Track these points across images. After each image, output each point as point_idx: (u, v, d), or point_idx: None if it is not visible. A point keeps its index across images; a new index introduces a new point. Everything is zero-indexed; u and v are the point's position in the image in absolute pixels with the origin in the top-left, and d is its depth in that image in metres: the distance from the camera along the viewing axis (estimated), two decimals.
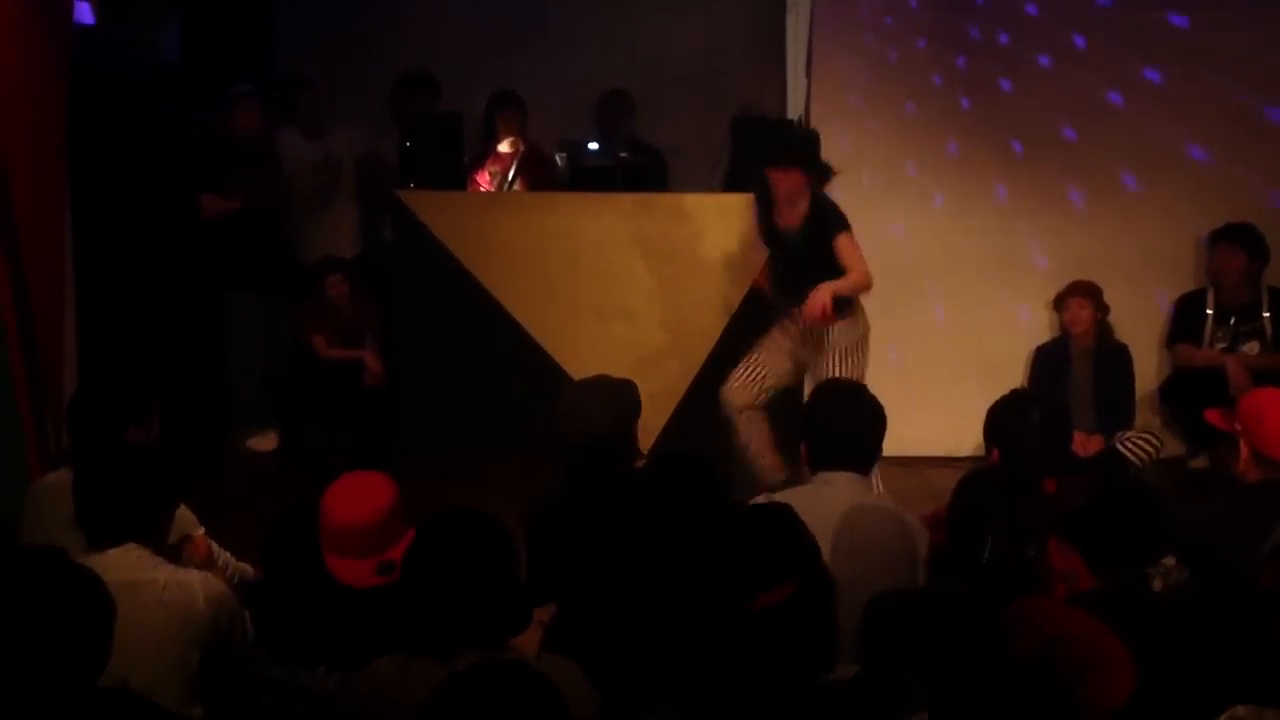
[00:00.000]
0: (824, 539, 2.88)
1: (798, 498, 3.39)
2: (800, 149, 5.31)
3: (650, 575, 3.04)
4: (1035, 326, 6.66)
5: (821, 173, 5.28)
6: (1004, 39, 6.74)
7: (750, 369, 5.42)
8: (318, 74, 7.28)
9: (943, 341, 6.77)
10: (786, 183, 5.22)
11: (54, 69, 5.53)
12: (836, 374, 5.19)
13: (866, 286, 5.24)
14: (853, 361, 5.32)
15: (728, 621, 2.39)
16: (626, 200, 6.67)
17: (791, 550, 2.52)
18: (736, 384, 5.41)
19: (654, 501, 3.22)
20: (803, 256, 5.29)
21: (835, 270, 5.19)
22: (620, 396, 3.80)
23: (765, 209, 5.43)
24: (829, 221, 5.24)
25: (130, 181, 6.63)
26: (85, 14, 6.34)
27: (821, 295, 5.05)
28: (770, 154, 5.29)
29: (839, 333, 5.29)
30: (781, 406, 5.47)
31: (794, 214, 5.28)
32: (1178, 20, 6.62)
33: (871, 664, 2.74)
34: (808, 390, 5.27)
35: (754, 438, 5.38)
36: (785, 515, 2.60)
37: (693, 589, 2.51)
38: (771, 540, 2.52)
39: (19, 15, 5.29)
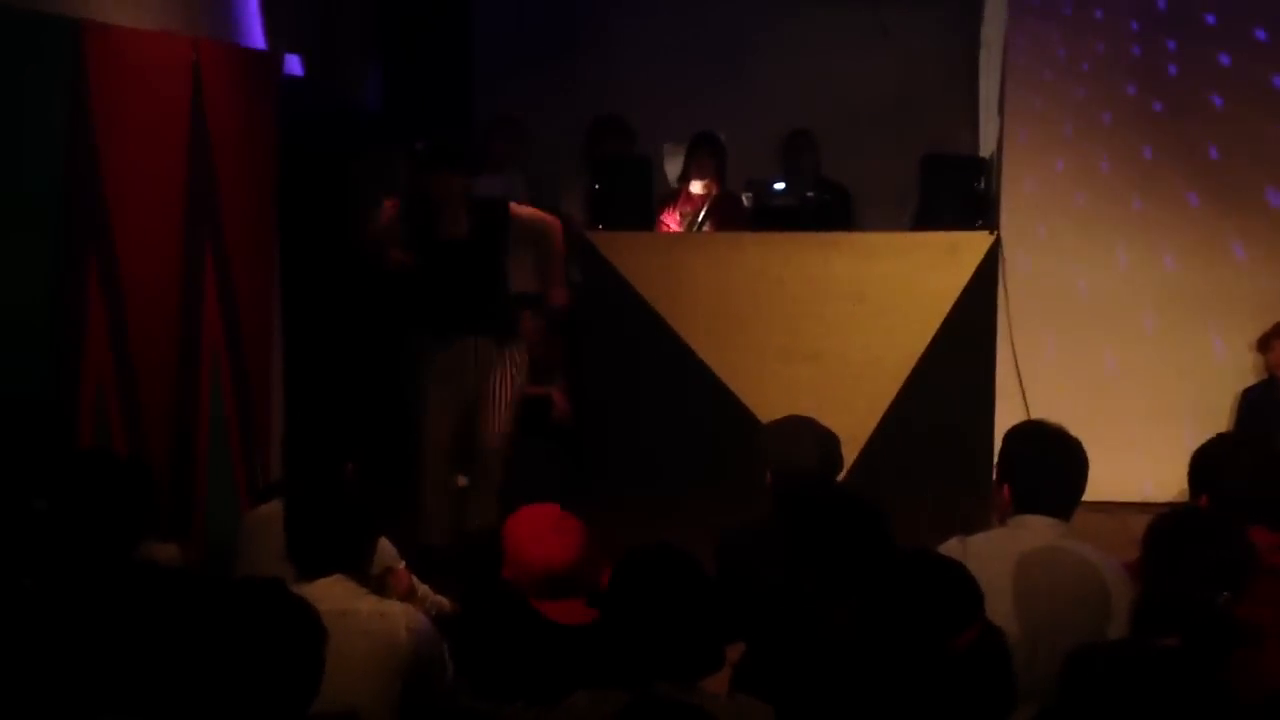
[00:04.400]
0: (1016, 581, 2.84)
1: (994, 540, 3.34)
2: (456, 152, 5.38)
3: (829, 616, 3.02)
4: (1240, 367, 6.42)
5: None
6: (1207, 89, 6.55)
7: (438, 453, 5.44)
8: (515, 117, 7.44)
9: (1143, 383, 6.58)
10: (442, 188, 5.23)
11: (266, 120, 5.79)
12: (501, 402, 5.29)
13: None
14: (516, 393, 5.39)
15: (926, 662, 2.38)
16: (813, 239, 6.66)
17: (974, 595, 2.60)
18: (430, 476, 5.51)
19: (819, 545, 3.20)
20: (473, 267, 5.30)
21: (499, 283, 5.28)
22: (828, 439, 3.82)
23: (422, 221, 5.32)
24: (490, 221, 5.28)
25: (333, 225, 6.87)
26: (295, 66, 6.62)
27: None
28: None
29: (518, 363, 5.40)
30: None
31: (454, 227, 5.27)
32: None
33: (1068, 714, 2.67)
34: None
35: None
36: (958, 563, 2.65)
37: (890, 630, 2.51)
38: (960, 585, 2.59)
39: (235, 70, 5.57)
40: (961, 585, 2.64)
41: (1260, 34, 6.51)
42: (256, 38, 6.23)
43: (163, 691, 2.29)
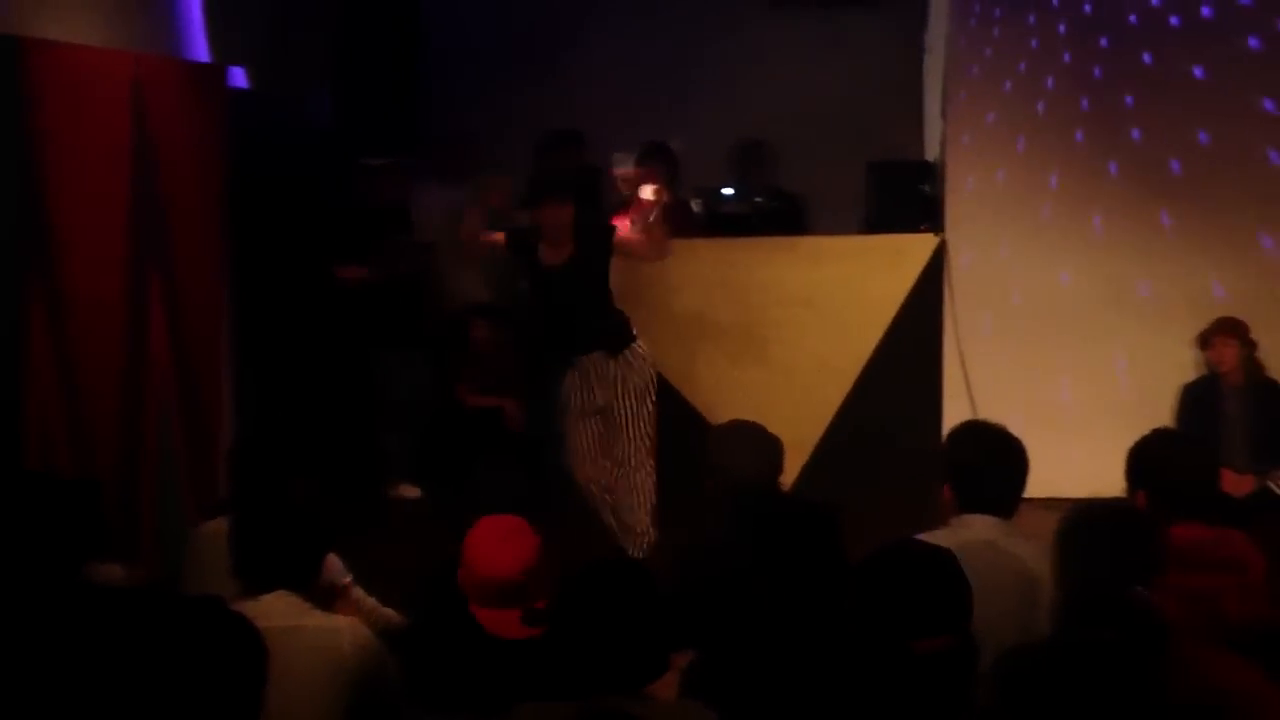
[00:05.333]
0: None
1: (937, 540, 3.36)
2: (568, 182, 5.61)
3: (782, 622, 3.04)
4: (1182, 364, 6.51)
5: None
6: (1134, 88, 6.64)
7: (582, 458, 5.64)
8: (465, 134, 7.44)
9: (1087, 380, 6.65)
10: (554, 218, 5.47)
11: (213, 134, 5.77)
12: (631, 416, 5.54)
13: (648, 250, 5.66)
14: (647, 401, 5.57)
15: (885, 659, 2.39)
16: (762, 245, 6.70)
17: (956, 604, 2.59)
18: (585, 469, 5.68)
19: (773, 551, 3.22)
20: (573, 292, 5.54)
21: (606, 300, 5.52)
22: (767, 444, 3.84)
23: (528, 250, 5.62)
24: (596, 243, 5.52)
25: (283, 242, 6.85)
26: (240, 79, 6.60)
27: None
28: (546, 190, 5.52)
29: (636, 372, 5.56)
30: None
31: (560, 252, 5.51)
32: None
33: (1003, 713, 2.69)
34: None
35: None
36: (954, 567, 2.63)
37: (855, 623, 2.53)
38: (942, 589, 2.59)
39: (179, 85, 5.55)
40: (946, 591, 2.64)
41: (1174, 20, 6.63)
42: (201, 51, 6.21)
43: (102, 713, 2.28)
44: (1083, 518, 3.10)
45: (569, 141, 7.38)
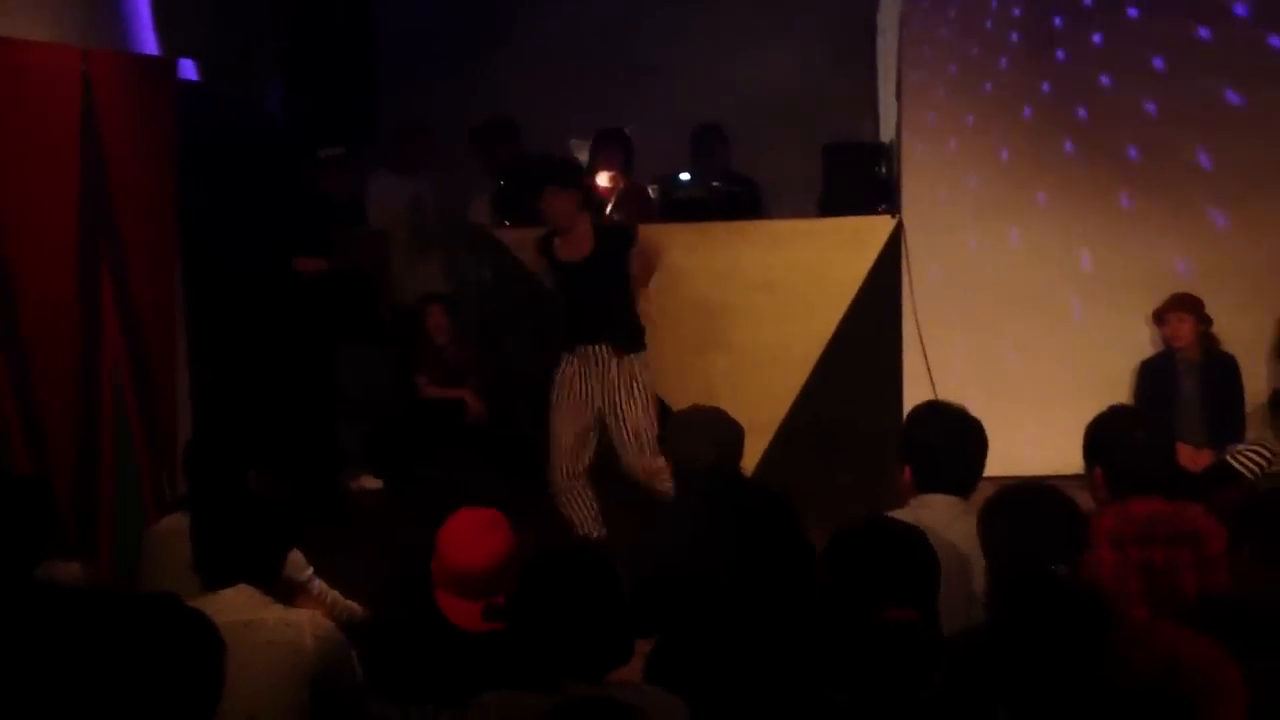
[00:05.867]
0: None
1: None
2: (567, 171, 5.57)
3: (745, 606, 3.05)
4: (1139, 340, 6.56)
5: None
6: (1091, 69, 6.69)
7: (562, 450, 5.55)
8: (419, 123, 7.40)
9: (1046, 358, 6.70)
10: (557, 208, 5.42)
11: (163, 126, 5.72)
12: (636, 423, 5.46)
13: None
14: (651, 411, 5.50)
15: (851, 631, 2.41)
16: (720, 230, 6.70)
17: (924, 577, 2.62)
18: (560, 468, 5.58)
19: (734, 535, 3.23)
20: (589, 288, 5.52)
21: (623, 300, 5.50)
22: (726, 429, 3.84)
23: (548, 248, 5.59)
24: (615, 242, 5.49)
25: (237, 235, 6.80)
26: (189, 70, 6.54)
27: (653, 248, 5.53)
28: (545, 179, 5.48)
29: (641, 375, 5.50)
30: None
31: (575, 245, 5.49)
32: None
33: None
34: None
35: (577, 513, 5.58)
36: (923, 542, 2.67)
37: (824, 594, 2.54)
38: (909, 562, 2.62)
39: (128, 78, 5.49)
40: (918, 564, 2.66)
41: (1132, 11, 6.65)
42: (149, 44, 6.14)
43: (57, 711, 2.26)
44: (1001, 500, 3.12)
45: (503, 130, 7.34)
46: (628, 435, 5.51)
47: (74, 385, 5.02)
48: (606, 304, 5.56)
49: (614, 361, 5.53)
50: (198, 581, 3.17)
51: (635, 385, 5.53)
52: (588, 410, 5.55)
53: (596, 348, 5.54)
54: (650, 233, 5.84)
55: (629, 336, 5.58)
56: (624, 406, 5.51)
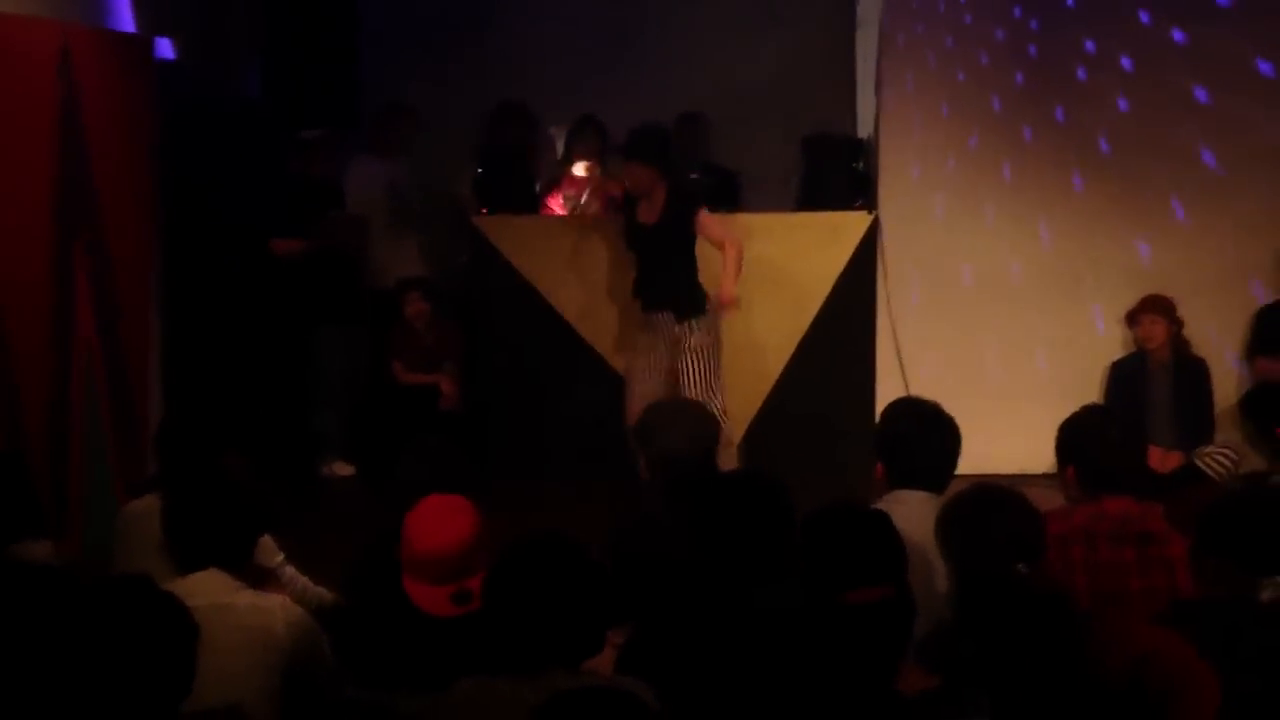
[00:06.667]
0: None
1: None
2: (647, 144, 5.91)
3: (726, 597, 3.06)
4: (1113, 340, 6.60)
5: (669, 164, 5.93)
6: (1071, 65, 6.71)
7: (633, 415, 5.58)
8: (400, 106, 7.36)
9: (1019, 357, 6.74)
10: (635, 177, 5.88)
11: (142, 105, 5.68)
12: (696, 377, 5.87)
13: (742, 253, 5.93)
14: (711, 363, 5.90)
15: (819, 612, 2.42)
16: None
17: (890, 556, 2.65)
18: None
19: (722, 523, 3.24)
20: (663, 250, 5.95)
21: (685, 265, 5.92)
22: (701, 420, 3.85)
23: (628, 209, 6.07)
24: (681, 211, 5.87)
25: (214, 215, 6.76)
26: (166, 49, 6.48)
27: (728, 289, 5.85)
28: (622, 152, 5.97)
29: (699, 334, 5.88)
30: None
31: (652, 209, 5.89)
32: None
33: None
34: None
35: None
36: (886, 522, 2.71)
37: (793, 577, 2.56)
38: (875, 541, 2.65)
39: (108, 56, 5.45)
40: (879, 543, 2.69)
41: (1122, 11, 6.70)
42: (126, 21, 6.10)
43: (28, 692, 2.26)
44: (957, 504, 3.16)
45: (518, 115, 7.32)
46: (693, 394, 5.88)
47: (46, 364, 4.99)
48: (669, 265, 6.00)
49: (676, 326, 5.99)
50: (167, 564, 3.16)
51: (696, 347, 5.95)
52: (656, 375, 6.01)
53: (661, 315, 6.01)
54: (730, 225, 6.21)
55: (689, 301, 6.00)
56: (688, 367, 5.94)
